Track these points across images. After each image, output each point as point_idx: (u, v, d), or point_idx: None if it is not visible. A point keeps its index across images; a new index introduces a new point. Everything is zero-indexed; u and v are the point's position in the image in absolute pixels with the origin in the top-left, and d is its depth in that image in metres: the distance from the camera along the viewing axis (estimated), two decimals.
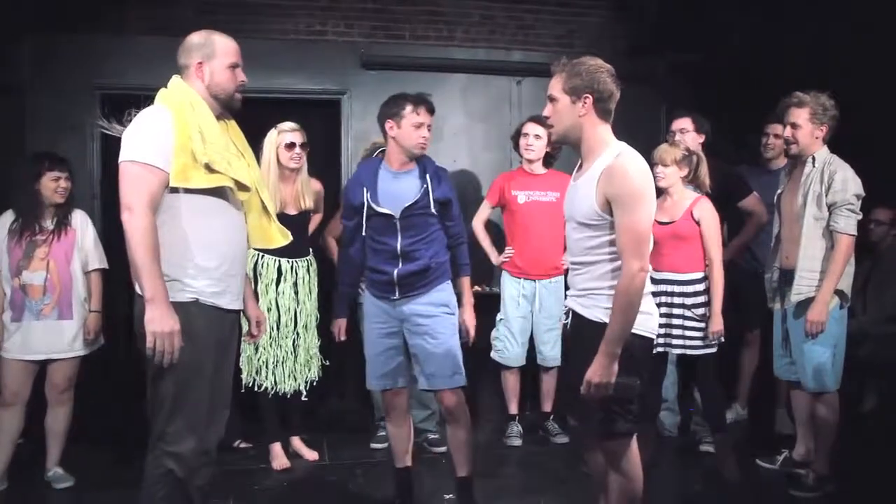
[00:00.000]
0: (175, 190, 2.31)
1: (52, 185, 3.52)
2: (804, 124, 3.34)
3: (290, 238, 2.74)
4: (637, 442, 2.48)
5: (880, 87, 4.32)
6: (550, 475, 3.78)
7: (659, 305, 3.55)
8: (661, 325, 3.54)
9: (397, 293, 3.06)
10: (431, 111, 3.08)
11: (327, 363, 4.00)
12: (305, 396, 3.93)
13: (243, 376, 3.78)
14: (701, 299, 3.57)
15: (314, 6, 4.92)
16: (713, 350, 3.59)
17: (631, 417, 2.37)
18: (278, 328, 3.82)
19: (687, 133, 4.00)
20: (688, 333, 3.55)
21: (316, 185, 4.03)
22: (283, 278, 3.84)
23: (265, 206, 2.58)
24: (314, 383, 3.95)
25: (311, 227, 4.07)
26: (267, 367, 3.81)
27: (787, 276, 3.45)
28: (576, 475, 3.70)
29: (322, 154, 4.52)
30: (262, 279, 3.82)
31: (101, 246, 3.70)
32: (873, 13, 4.25)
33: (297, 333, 3.87)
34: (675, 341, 3.58)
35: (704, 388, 3.73)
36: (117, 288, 3.74)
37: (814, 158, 3.35)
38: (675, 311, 3.57)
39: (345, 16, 4.96)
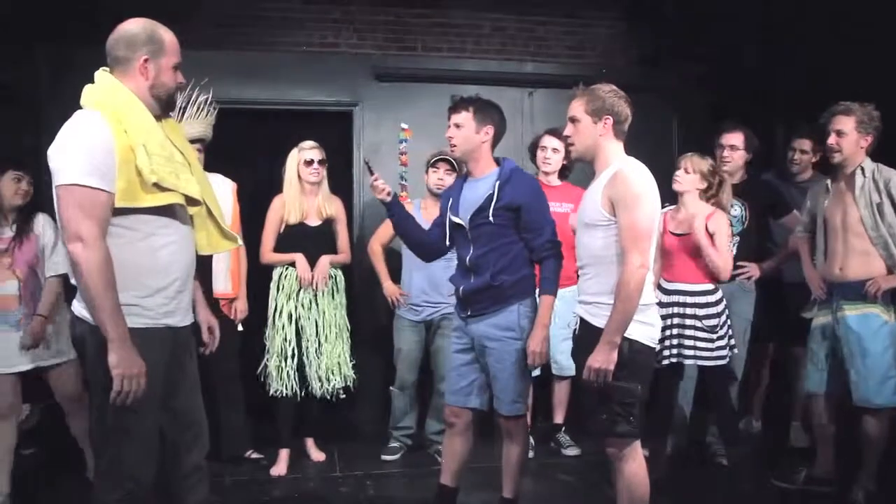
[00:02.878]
0: (118, 209, 2.09)
1: (13, 187, 3.42)
2: (850, 132, 3.29)
3: (239, 242, 2.64)
4: (649, 455, 2.51)
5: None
6: (561, 487, 3.76)
7: (671, 316, 3.58)
8: (673, 336, 3.57)
9: (468, 311, 2.95)
10: None
11: (352, 372, 4.03)
12: (331, 399, 3.97)
13: (270, 381, 3.88)
14: (713, 310, 3.55)
15: (327, 18, 4.96)
16: (724, 361, 3.56)
17: (633, 421, 2.50)
18: (298, 337, 3.89)
19: (737, 150, 3.95)
20: (699, 345, 3.54)
21: (337, 200, 4.12)
22: (302, 289, 3.91)
23: (210, 212, 2.38)
24: (338, 393, 3.99)
25: (342, 244, 4.09)
26: (290, 375, 3.87)
27: (842, 288, 3.37)
28: (587, 487, 3.69)
29: (334, 166, 4.54)
30: (283, 290, 3.92)
31: (62, 251, 3.54)
32: (888, 27, 4.21)
33: (319, 342, 3.92)
34: (686, 352, 3.56)
35: (718, 402, 3.70)
36: None
37: (863, 169, 3.32)
38: (688, 321, 3.56)
39: (357, 28, 4.99)
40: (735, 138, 3.97)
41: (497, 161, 3.01)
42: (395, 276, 4.21)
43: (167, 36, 2.23)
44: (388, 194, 3.04)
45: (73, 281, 2.15)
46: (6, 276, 3.38)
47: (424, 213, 4.07)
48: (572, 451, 4.23)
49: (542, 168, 4.22)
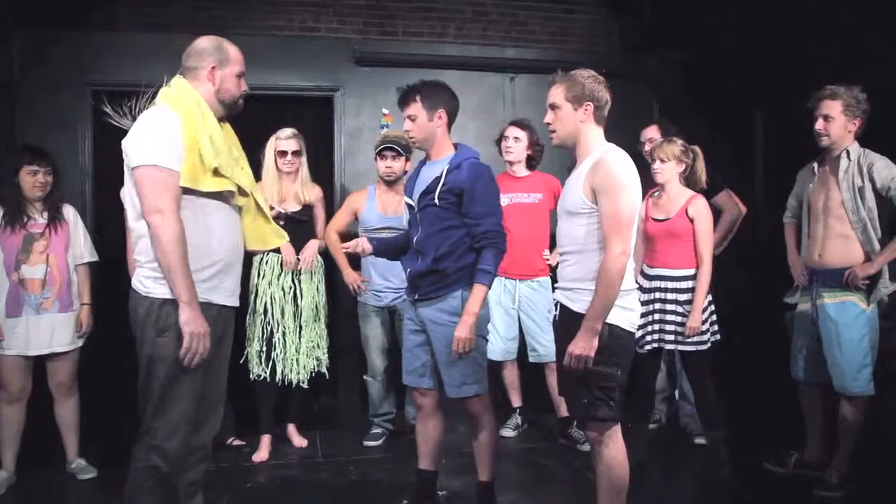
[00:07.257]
0: (181, 190, 2.34)
1: (30, 180, 3.49)
2: (837, 116, 3.29)
3: (286, 239, 2.80)
4: (629, 439, 2.54)
5: (876, 87, 4.30)
6: (543, 472, 3.79)
7: (653, 301, 3.61)
8: (654, 321, 3.60)
9: (415, 294, 2.98)
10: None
11: (326, 356, 4.07)
12: (306, 385, 4.01)
13: (251, 367, 3.91)
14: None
15: (307, 3, 4.91)
16: (705, 347, 3.60)
17: (613, 405, 2.52)
18: (281, 321, 3.92)
19: (654, 142, 4.00)
20: (680, 329, 3.57)
21: (316, 188, 4.12)
22: (284, 273, 3.95)
23: (260, 208, 2.63)
24: (315, 374, 4.03)
25: (320, 231, 4.12)
26: (270, 358, 3.91)
27: (822, 275, 3.38)
28: (568, 472, 3.72)
29: (315, 151, 4.52)
30: (266, 276, 3.95)
31: (90, 240, 3.73)
32: (867, 13, 4.23)
33: (300, 325, 3.97)
34: (667, 337, 3.59)
35: (697, 385, 3.74)
36: (111, 279, 3.78)
37: (848, 152, 3.31)
38: (668, 306, 3.59)
39: (338, 12, 4.96)
40: (650, 132, 4.14)
41: (456, 147, 3.03)
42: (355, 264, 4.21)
43: (232, 49, 2.52)
44: (369, 250, 3.07)
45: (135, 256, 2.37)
46: (37, 260, 3.50)
47: (378, 200, 4.08)
48: (587, 448, 4.12)
49: (505, 157, 4.23)
